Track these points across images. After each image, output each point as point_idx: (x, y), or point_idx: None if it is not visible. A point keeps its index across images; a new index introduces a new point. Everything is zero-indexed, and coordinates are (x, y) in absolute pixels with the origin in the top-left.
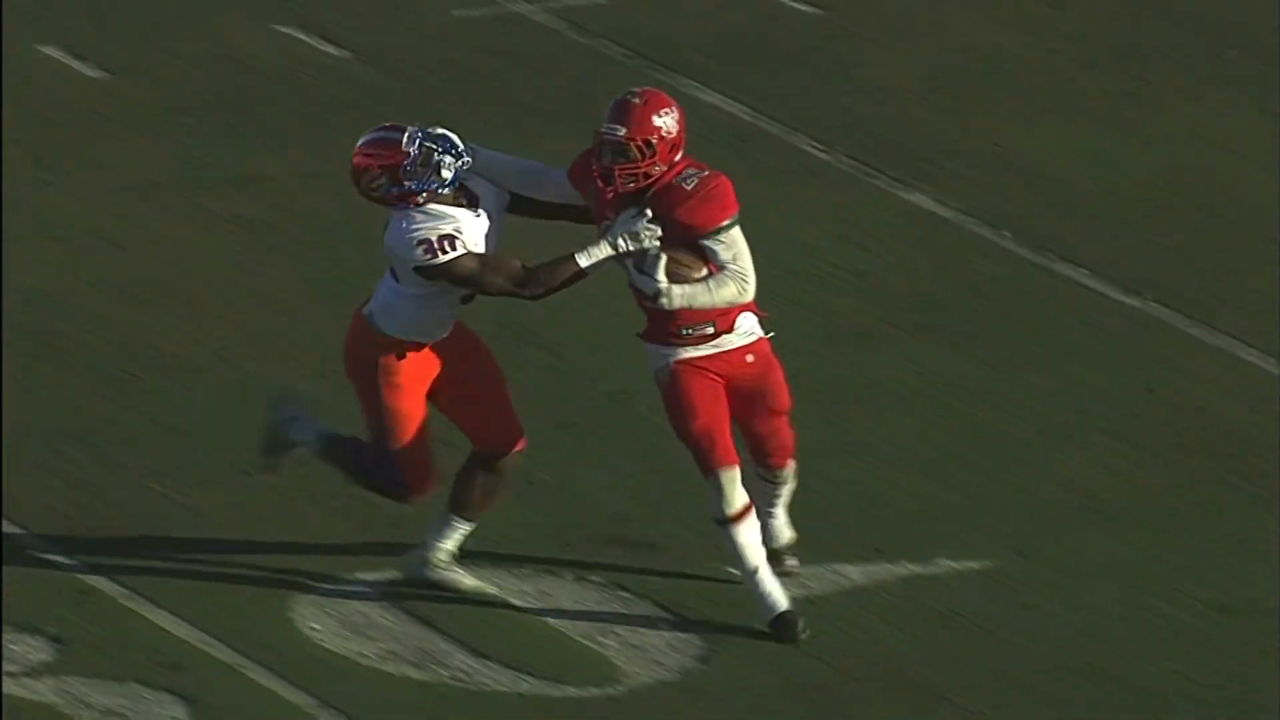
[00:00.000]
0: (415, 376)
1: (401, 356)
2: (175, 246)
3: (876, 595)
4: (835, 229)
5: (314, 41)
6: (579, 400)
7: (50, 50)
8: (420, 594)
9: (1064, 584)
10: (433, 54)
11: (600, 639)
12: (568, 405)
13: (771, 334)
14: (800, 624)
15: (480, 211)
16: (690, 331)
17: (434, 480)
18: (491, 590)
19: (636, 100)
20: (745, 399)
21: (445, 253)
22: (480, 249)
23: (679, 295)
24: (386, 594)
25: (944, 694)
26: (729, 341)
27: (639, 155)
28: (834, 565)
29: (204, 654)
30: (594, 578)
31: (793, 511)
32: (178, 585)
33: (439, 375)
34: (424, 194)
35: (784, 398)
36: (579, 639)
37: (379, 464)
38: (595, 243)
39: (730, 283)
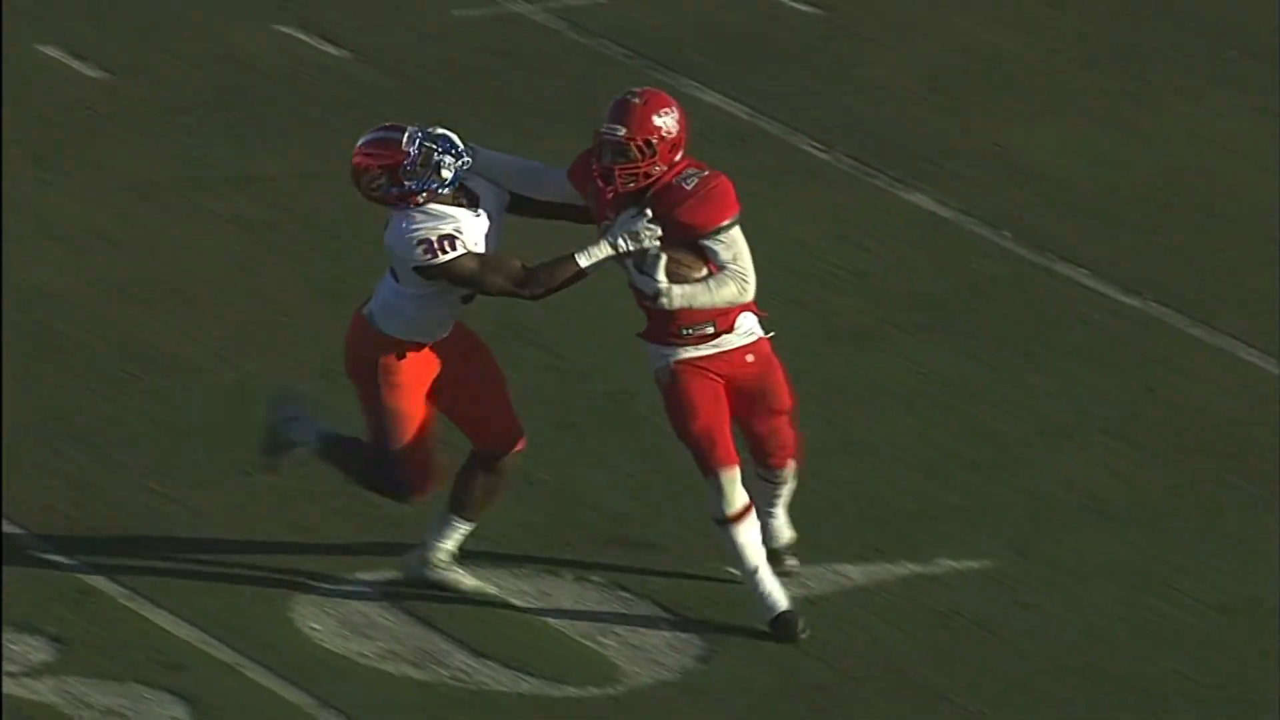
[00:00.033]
0: (415, 376)
1: (402, 356)
2: (175, 246)
3: (876, 595)
4: (835, 229)
5: (314, 41)
6: (578, 400)
7: (50, 50)
8: (420, 594)
9: (1064, 584)
10: (433, 54)
11: (600, 639)
12: (567, 405)
13: (772, 334)
14: (800, 624)
15: (480, 211)
16: (690, 331)
17: (435, 480)
18: (491, 590)
19: (637, 100)
20: (746, 399)
21: (445, 253)
22: (480, 249)
23: (679, 295)
24: (386, 594)
25: (944, 694)
26: (729, 341)
27: (639, 155)
28: (834, 565)
29: (204, 654)
30: (594, 578)
31: (793, 511)
32: (178, 585)
33: (439, 375)
34: (424, 194)
35: (785, 398)
36: (579, 639)
37: (379, 464)
38: (595, 243)
39: (730, 283)
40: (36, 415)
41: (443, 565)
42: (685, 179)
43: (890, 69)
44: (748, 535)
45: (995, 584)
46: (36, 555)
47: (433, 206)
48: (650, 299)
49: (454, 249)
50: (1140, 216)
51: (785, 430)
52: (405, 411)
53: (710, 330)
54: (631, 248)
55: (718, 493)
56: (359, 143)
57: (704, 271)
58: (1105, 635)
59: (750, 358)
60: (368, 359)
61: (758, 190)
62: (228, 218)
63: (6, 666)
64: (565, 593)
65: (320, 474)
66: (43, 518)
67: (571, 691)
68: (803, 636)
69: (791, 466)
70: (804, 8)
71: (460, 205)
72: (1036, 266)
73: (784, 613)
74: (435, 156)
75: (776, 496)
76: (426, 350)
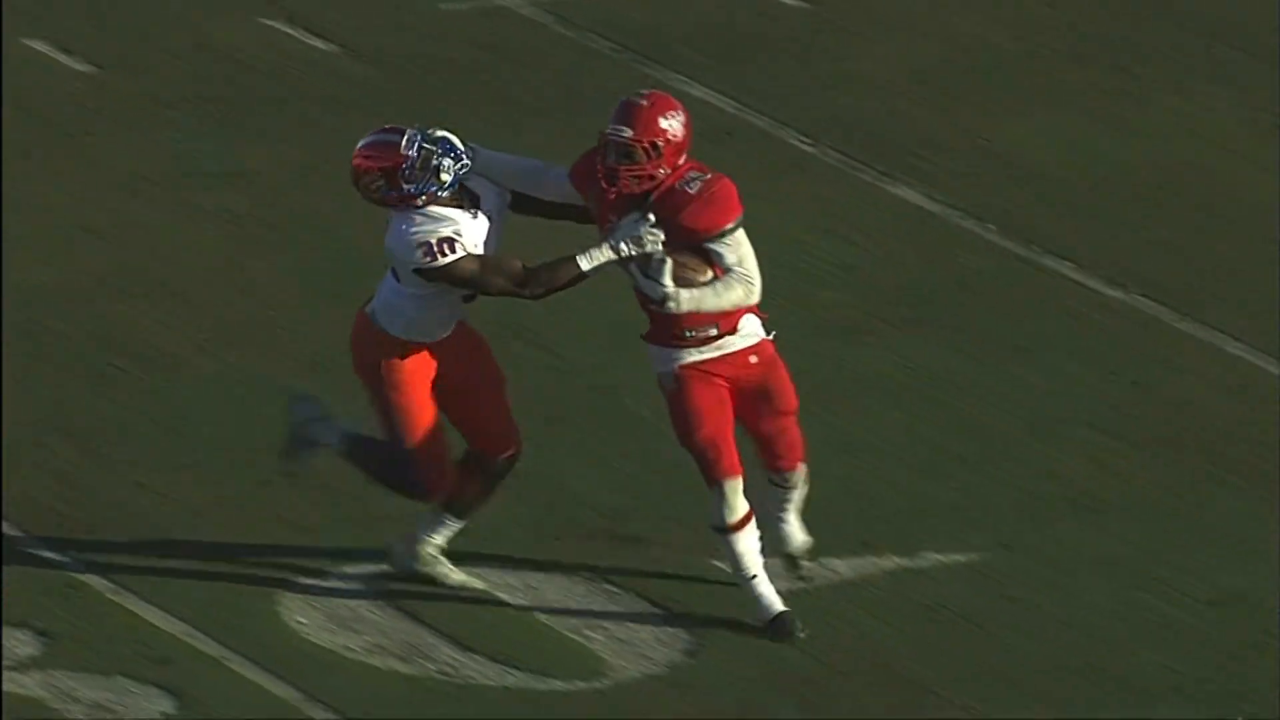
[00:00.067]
0: (419, 375)
1: (404, 356)
2: (163, 240)
3: (864, 589)
4: (822, 223)
5: (301, 35)
6: (569, 395)
7: (38, 44)
8: (407, 588)
9: (1051, 578)
10: (420, 48)
11: (587, 633)
12: (558, 400)
13: (774, 335)
14: (797, 624)
15: (480, 212)
16: (693, 334)
17: (451, 479)
18: (479, 584)
19: (644, 102)
20: (750, 400)
21: (445, 255)
22: (480, 250)
23: (686, 299)
24: (373, 588)
25: (931, 688)
26: (732, 343)
27: (644, 157)
28: (821, 559)
29: (191, 648)
30: (582, 572)
31: None
32: (165, 579)
33: (440, 374)
34: (423, 197)
35: (790, 398)
36: (566, 633)
37: (395, 464)
38: (597, 245)
39: (737, 285)
40: (23, 410)
41: (430, 559)
42: (688, 182)
43: (877, 63)
44: (747, 543)
45: (982, 578)
46: (24, 550)
47: (432, 209)
48: (657, 303)
49: (453, 251)
50: (1128, 211)
51: (792, 430)
52: (412, 411)
53: (713, 333)
54: (634, 252)
55: (721, 501)
56: (359, 145)
57: (709, 275)
58: (1093, 629)
59: (754, 359)
60: (372, 360)
61: (744, 184)
62: (216, 212)
63: None
64: (553, 587)
65: (307, 468)
66: (30, 512)
67: (558, 685)
68: (800, 637)
69: (802, 470)
70: (791, 2)
71: (460, 207)
72: (1024, 261)
73: (781, 613)
74: (434, 159)
75: (788, 501)
76: (428, 349)
